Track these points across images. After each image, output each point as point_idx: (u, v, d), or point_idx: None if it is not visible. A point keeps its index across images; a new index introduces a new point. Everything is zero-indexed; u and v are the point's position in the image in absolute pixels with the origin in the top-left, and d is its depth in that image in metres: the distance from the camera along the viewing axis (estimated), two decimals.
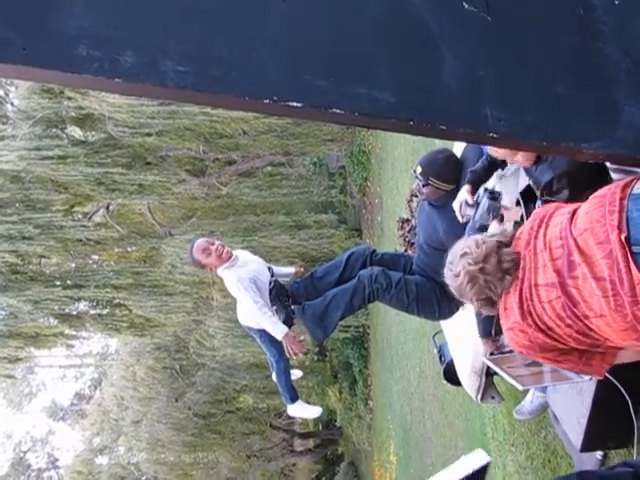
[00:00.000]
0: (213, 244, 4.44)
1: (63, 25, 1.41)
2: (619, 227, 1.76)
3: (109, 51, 1.43)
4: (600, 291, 1.78)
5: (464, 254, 2.06)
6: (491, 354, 3.50)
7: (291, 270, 5.00)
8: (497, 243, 2.06)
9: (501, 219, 2.99)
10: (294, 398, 4.97)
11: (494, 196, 2.99)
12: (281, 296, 3.84)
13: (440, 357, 4.66)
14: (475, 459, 1.73)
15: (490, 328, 3.49)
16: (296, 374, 5.34)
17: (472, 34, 1.74)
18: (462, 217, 3.17)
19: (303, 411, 5.16)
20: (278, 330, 4.23)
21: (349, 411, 16.68)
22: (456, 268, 2.06)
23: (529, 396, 3.94)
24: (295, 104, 1.55)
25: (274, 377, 4.94)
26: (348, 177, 15.12)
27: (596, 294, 1.79)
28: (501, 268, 2.00)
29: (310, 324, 3.72)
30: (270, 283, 3.96)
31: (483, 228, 3.08)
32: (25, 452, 30.73)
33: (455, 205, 3.22)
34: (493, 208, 2.97)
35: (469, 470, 1.69)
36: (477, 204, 3.04)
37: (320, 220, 13.52)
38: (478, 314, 3.43)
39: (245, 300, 4.33)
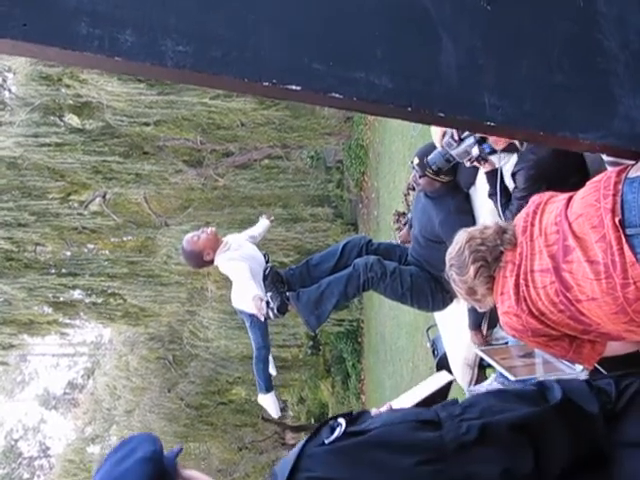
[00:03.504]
0: (198, 230, 4.53)
1: (63, 1, 1.40)
2: (613, 210, 1.77)
3: (109, 29, 1.42)
4: (593, 274, 1.79)
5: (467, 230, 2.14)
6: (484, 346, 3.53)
7: (264, 222, 5.22)
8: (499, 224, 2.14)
9: (484, 162, 3.00)
10: (269, 388, 4.86)
11: (482, 142, 3.02)
12: (276, 282, 3.83)
13: (433, 351, 4.69)
14: (438, 379, 1.76)
15: (480, 321, 3.52)
16: (271, 371, 5.29)
17: (472, 22, 1.75)
18: (442, 144, 3.16)
19: (271, 405, 5.05)
20: (251, 291, 4.06)
21: (341, 405, 16.69)
22: (458, 238, 2.12)
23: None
24: (294, 87, 1.55)
25: (253, 363, 4.90)
26: (345, 171, 15.12)
27: (589, 277, 1.80)
28: (501, 229, 2.06)
29: (304, 311, 3.72)
30: (265, 270, 3.94)
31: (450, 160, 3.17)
32: (16, 440, 30.69)
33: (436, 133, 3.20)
34: (479, 151, 3.01)
35: (433, 388, 1.71)
36: (461, 140, 3.07)
37: (316, 213, 13.50)
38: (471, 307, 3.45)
39: (235, 275, 4.31)
